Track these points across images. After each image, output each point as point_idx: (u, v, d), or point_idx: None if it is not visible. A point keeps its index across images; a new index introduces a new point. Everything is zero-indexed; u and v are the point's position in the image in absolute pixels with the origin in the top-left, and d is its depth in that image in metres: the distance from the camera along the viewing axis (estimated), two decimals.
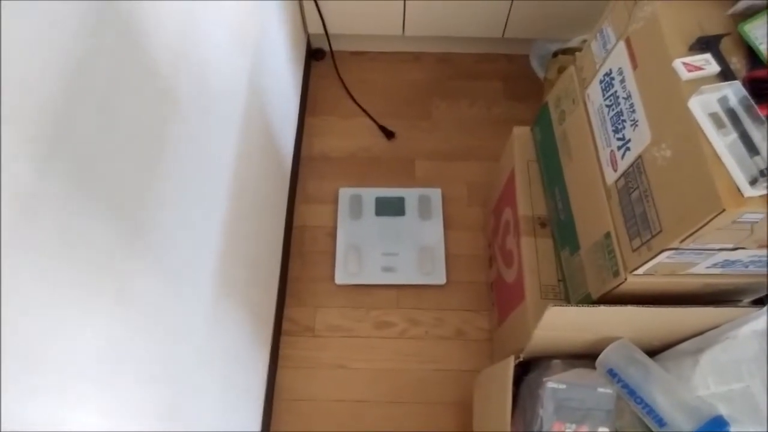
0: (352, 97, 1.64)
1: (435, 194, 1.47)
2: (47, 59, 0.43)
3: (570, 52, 1.45)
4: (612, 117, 0.84)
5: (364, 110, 1.62)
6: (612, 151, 0.84)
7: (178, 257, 0.70)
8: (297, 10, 1.50)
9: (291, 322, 1.33)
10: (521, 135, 1.19)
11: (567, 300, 1.00)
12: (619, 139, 0.82)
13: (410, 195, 1.47)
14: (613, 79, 0.85)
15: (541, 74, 1.62)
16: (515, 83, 1.67)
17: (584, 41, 1.56)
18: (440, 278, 1.36)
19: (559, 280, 1.03)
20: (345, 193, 1.47)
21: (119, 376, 0.57)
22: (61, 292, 0.46)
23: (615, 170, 0.84)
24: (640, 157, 0.77)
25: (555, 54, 1.46)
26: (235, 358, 1.01)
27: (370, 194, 1.47)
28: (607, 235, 0.85)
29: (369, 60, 1.70)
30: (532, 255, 1.06)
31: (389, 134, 1.58)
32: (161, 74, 0.63)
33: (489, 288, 1.36)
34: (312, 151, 1.56)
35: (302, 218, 1.47)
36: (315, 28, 1.57)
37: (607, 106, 0.86)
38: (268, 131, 1.22)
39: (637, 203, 0.77)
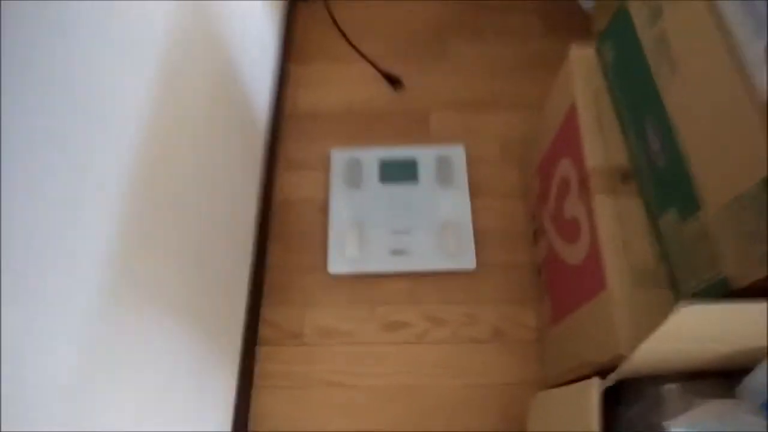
0: (345, 37, 1.29)
1: (457, 153, 1.12)
2: None
3: None
4: None
5: (361, 53, 1.27)
6: None
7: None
8: None
9: (271, 327, 1.00)
10: (582, 58, 0.84)
11: (675, 288, 0.66)
12: None
13: (425, 155, 1.12)
14: None
15: (587, 5, 1.27)
16: (555, 15, 1.31)
17: None
18: (468, 261, 1.01)
19: (658, 260, 0.69)
20: (339, 157, 1.13)
21: None
22: None
23: None
24: None
25: None
26: (178, 386, 0.68)
27: (372, 156, 1.12)
28: (765, 182, 0.50)
29: None
30: (614, 223, 0.71)
31: (395, 82, 1.23)
32: None
33: (536, 272, 1.01)
34: (297, 107, 1.22)
35: (284, 190, 1.13)
36: None
37: None
38: (228, 80, 0.88)
39: None
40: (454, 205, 1.07)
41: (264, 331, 0.99)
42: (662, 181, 0.67)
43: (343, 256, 1.02)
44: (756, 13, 0.53)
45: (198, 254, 0.75)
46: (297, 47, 1.29)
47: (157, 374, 0.61)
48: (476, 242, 1.04)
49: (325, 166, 1.13)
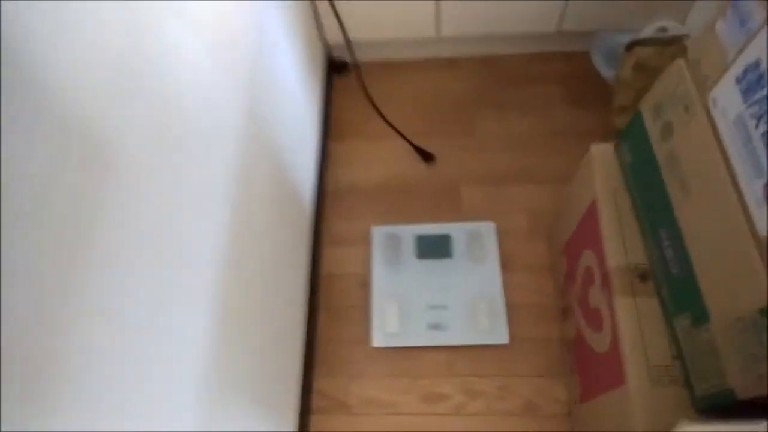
0: (381, 115, 1.39)
1: (488, 229, 1.20)
2: None
3: (649, 43, 1.16)
4: (766, 136, 0.56)
5: (396, 129, 1.37)
6: None
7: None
8: (309, 14, 1.27)
9: (321, 397, 1.09)
10: (602, 154, 0.91)
11: (689, 386, 0.72)
12: None
13: (457, 231, 1.20)
14: (762, 75, 0.57)
15: (607, 74, 1.34)
16: (575, 86, 1.39)
17: (663, 29, 1.27)
18: (502, 337, 1.09)
19: (674, 357, 0.75)
20: (379, 233, 1.22)
21: None
22: None
23: None
24: None
25: (629, 47, 1.17)
26: None
27: (408, 232, 1.21)
28: (763, 312, 0.57)
29: (399, 70, 1.46)
30: (633, 322, 0.78)
31: (428, 157, 1.33)
32: (88, 119, 0.40)
33: (565, 347, 1.08)
34: (338, 184, 1.33)
35: (329, 265, 1.23)
36: (333, 35, 1.33)
37: (755, 117, 0.58)
38: (279, 166, 0.99)
39: None
40: (487, 280, 1.15)
41: (316, 401, 1.08)
42: (676, 287, 0.74)
43: (384, 331, 1.11)
44: (755, 152, 0.59)
45: (264, 336, 0.85)
46: (334, 124, 1.40)
47: None
48: (509, 316, 1.11)
49: (366, 241, 1.23)
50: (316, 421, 1.06)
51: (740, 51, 0.60)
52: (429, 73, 1.45)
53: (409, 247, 1.20)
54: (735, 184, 0.61)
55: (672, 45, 1.14)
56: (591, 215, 0.90)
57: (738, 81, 0.60)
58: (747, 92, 0.59)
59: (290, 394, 1.02)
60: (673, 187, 0.73)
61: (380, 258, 1.19)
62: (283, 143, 1.02)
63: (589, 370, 0.92)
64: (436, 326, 1.10)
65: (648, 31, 1.22)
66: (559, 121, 1.35)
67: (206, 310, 0.63)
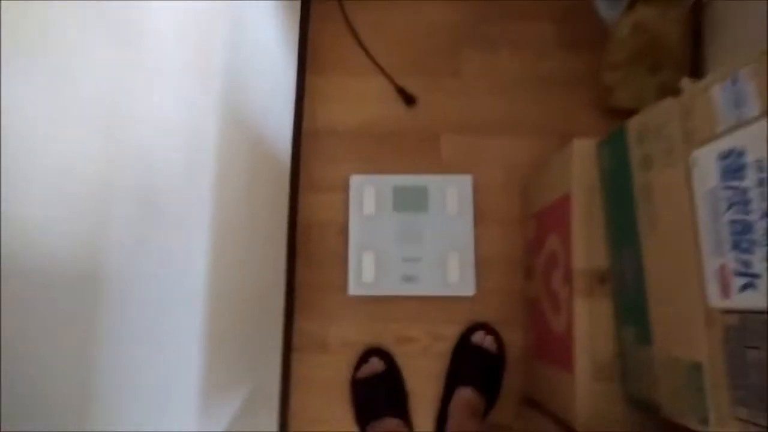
0: (364, 48, 1.31)
1: (465, 183, 1.23)
2: None
3: (656, 2, 1.09)
4: (733, 224, 0.60)
5: (378, 66, 1.30)
6: (724, 268, 0.61)
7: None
8: None
9: (303, 337, 1.21)
10: (583, 150, 0.92)
11: (624, 383, 0.84)
12: (741, 262, 0.59)
13: (435, 184, 1.23)
14: (744, 167, 0.58)
15: (606, 14, 1.26)
16: (571, 26, 1.31)
17: None
18: (469, 289, 1.19)
19: (616, 355, 0.86)
20: (357, 182, 1.24)
21: None
22: None
23: (726, 297, 0.61)
24: None
25: (631, 3, 1.09)
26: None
27: (386, 184, 1.23)
28: (697, 368, 0.66)
29: None
30: (587, 322, 0.87)
31: (409, 99, 1.29)
32: None
33: (525, 303, 1.19)
34: (316, 123, 1.29)
35: (308, 212, 1.26)
36: None
37: (727, 201, 0.60)
38: (256, 102, 0.97)
39: (754, 369, 0.57)
40: (460, 234, 1.21)
41: (296, 340, 1.20)
42: (629, 303, 0.82)
43: (360, 281, 1.19)
44: (720, 232, 0.63)
45: (250, 284, 0.94)
46: (314, 55, 1.32)
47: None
48: (478, 268, 1.20)
49: (344, 188, 1.25)
50: (297, 359, 1.19)
51: (730, 130, 0.60)
52: (417, 2, 1.33)
53: (386, 199, 1.23)
54: (697, 244, 0.66)
55: (676, 8, 1.07)
56: (563, 206, 0.94)
57: (720, 158, 0.61)
58: (726, 174, 0.61)
59: (274, 335, 1.13)
60: (643, 216, 0.77)
61: (358, 208, 1.23)
62: (260, 78, 0.99)
63: (544, 337, 1.04)
64: (409, 278, 1.19)
65: None
66: (548, 65, 1.30)
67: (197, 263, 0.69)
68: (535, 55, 1.30)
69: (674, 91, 1.14)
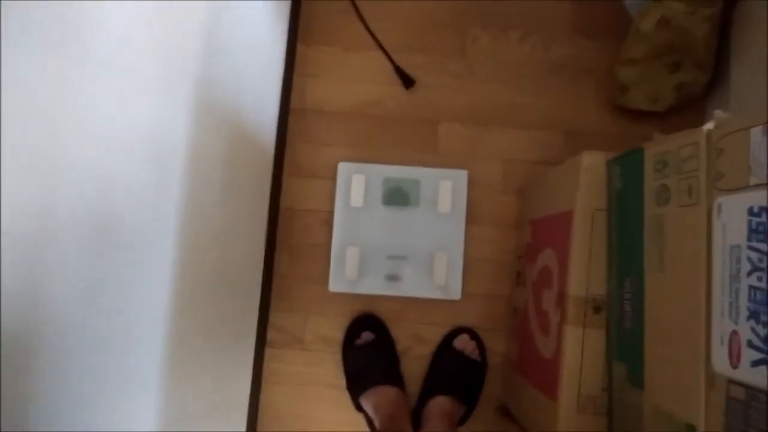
0: (362, 19, 1.19)
1: (460, 178, 1.15)
2: None
3: None
4: (753, 291, 0.53)
5: (377, 41, 1.19)
6: (737, 337, 0.55)
7: None
8: None
9: (277, 331, 1.15)
10: (592, 165, 0.84)
11: (609, 419, 0.80)
12: (757, 335, 0.52)
13: (428, 178, 1.15)
14: None
15: (631, 6, 1.15)
16: (588, 9, 1.19)
17: None
18: (455, 293, 1.13)
19: (604, 389, 0.81)
20: (346, 171, 1.15)
21: None
22: None
23: (734, 366, 0.55)
24: None
25: None
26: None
27: (377, 174, 1.15)
28: (690, 429, 0.61)
29: None
30: (577, 352, 0.81)
31: (408, 82, 1.18)
32: None
33: (512, 312, 1.13)
34: (304, 102, 1.19)
35: (291, 198, 1.18)
36: None
37: (749, 261, 0.53)
38: (239, 75, 0.88)
39: None
40: (450, 233, 1.14)
41: (271, 334, 1.15)
42: (624, 339, 0.76)
43: (343, 277, 1.13)
44: (737, 293, 0.56)
45: (223, 273, 0.87)
46: (306, 23, 1.20)
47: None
48: (466, 270, 1.13)
49: (332, 176, 1.16)
50: (271, 355, 1.14)
51: (763, 181, 0.52)
52: None
53: (376, 191, 1.14)
54: (709, 301, 0.60)
55: (708, 5, 0.96)
56: (564, 223, 0.87)
57: (751, 213, 0.54)
58: (755, 233, 0.53)
59: (248, 328, 1.07)
60: (652, 251, 0.70)
61: (345, 198, 1.15)
62: (243, 49, 0.89)
63: (529, 355, 0.99)
64: (393, 278, 1.13)
65: None
66: (559, 52, 1.19)
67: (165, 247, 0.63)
68: (546, 39, 1.19)
69: (692, 96, 1.04)
